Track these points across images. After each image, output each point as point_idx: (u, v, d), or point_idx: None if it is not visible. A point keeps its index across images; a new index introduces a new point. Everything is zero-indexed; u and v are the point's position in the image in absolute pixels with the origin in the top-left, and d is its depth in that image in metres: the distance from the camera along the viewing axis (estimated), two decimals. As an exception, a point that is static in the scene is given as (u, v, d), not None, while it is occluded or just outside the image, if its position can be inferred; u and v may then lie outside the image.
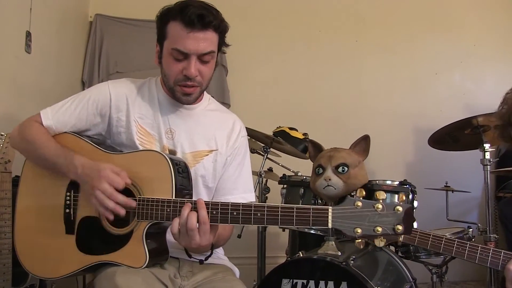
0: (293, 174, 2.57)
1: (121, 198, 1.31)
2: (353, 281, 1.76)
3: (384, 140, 3.41)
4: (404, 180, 2.20)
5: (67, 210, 1.42)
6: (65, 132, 1.50)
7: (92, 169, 1.34)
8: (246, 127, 1.69)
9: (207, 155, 1.54)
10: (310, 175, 2.16)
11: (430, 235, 1.66)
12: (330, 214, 1.16)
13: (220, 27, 1.42)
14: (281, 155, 2.87)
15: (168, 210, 1.29)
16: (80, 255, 1.38)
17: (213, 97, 1.69)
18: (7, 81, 2.30)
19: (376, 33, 3.82)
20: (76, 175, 1.38)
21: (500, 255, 1.51)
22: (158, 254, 1.38)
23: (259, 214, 1.22)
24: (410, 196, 2.16)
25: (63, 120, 1.49)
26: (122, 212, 1.31)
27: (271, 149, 2.65)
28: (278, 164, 2.82)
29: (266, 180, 2.69)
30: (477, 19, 3.88)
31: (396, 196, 2.15)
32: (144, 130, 1.50)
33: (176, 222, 1.27)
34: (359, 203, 1.14)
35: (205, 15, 1.37)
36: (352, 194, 2.01)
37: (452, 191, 2.70)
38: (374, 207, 1.13)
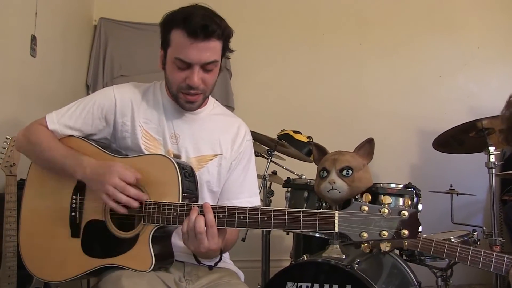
0: (297, 177, 2.57)
1: (133, 191, 1.31)
2: (358, 285, 1.75)
3: (388, 143, 3.40)
4: (409, 183, 2.19)
5: (73, 214, 1.43)
6: (71, 136, 1.50)
7: (102, 167, 1.35)
8: (250, 130, 1.69)
9: (212, 159, 1.54)
10: (315, 178, 2.16)
11: (433, 240, 1.66)
12: (336, 218, 1.16)
13: (223, 34, 1.42)
14: (286, 158, 2.87)
15: (175, 214, 1.29)
16: (86, 258, 1.38)
17: (217, 100, 1.69)
18: (12, 84, 2.30)
19: (379, 36, 3.82)
20: (84, 175, 1.38)
21: (504, 260, 1.51)
22: (164, 258, 1.38)
23: (265, 218, 1.22)
24: (415, 199, 2.15)
25: (68, 124, 1.50)
26: (135, 204, 1.31)
27: (276, 152, 2.65)
28: (283, 167, 2.81)
29: (270, 183, 2.69)
30: (481, 22, 3.87)
31: (401, 199, 2.14)
32: (149, 134, 1.50)
33: (186, 224, 1.27)
34: (365, 208, 1.15)
35: (208, 25, 1.36)
36: (357, 197, 2.01)
37: (457, 194, 2.69)
38: (380, 211, 1.14)
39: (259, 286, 2.45)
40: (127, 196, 1.30)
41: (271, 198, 2.63)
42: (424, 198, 2.20)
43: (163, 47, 1.47)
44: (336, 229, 1.15)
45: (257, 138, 2.50)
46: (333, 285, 1.79)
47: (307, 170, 2.59)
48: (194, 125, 1.55)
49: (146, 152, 1.47)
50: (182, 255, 1.46)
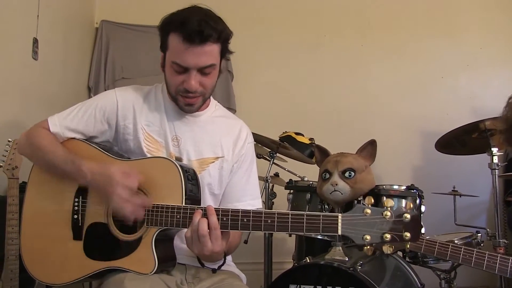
0: (299, 179, 2.56)
1: (138, 201, 1.31)
2: (361, 287, 1.74)
3: (390, 144, 3.39)
4: (411, 184, 2.18)
5: (75, 216, 1.42)
6: (73, 138, 1.50)
7: (103, 175, 1.34)
8: (252, 132, 1.68)
9: (213, 162, 1.53)
10: (317, 180, 2.16)
11: (436, 242, 1.65)
12: (339, 221, 1.16)
13: (220, 37, 1.41)
14: (288, 160, 2.86)
15: (178, 216, 1.29)
16: (88, 261, 1.38)
17: (219, 102, 1.68)
18: (14, 87, 2.31)
19: (381, 37, 3.81)
20: (86, 181, 1.38)
21: (509, 262, 1.50)
22: (166, 261, 1.38)
23: (269, 221, 1.22)
24: (418, 201, 2.15)
25: (70, 127, 1.50)
26: (141, 213, 1.31)
27: (278, 154, 2.64)
28: (285, 169, 2.81)
29: (273, 185, 2.69)
30: (484, 22, 3.86)
31: (404, 201, 2.13)
32: (151, 137, 1.50)
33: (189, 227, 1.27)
34: (368, 211, 1.15)
35: (203, 30, 1.35)
36: (359, 199, 2.00)
37: (460, 195, 2.68)
38: (382, 214, 1.14)
39: (261, 289, 2.45)
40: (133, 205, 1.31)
41: (273, 200, 2.62)
42: (427, 200, 2.20)
43: (162, 50, 1.48)
44: (340, 232, 1.16)
45: (259, 140, 2.50)
46: (336, 287, 1.78)
47: (309, 172, 2.58)
48: (196, 128, 1.55)
49: (149, 155, 1.47)
50: (184, 257, 1.47)
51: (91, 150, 1.47)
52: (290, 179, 2.49)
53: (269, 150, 2.61)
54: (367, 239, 1.14)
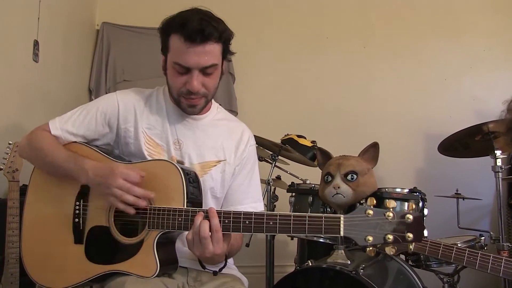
0: (301, 182, 2.55)
1: (140, 191, 1.31)
2: (363, 290, 1.73)
3: (393, 147, 3.38)
4: (414, 187, 2.17)
5: (76, 220, 1.42)
6: (74, 142, 1.50)
7: (104, 169, 1.34)
8: (254, 135, 1.68)
9: (215, 165, 1.53)
10: (319, 183, 2.15)
11: (440, 244, 1.64)
12: (342, 222, 1.15)
13: (222, 37, 1.41)
14: (290, 163, 2.85)
15: (180, 219, 1.28)
16: (89, 264, 1.37)
17: (220, 105, 1.68)
18: (15, 89, 2.31)
19: (384, 39, 3.80)
20: (88, 178, 1.37)
21: (514, 265, 1.49)
22: (168, 264, 1.37)
23: (271, 223, 1.21)
24: (420, 204, 2.13)
25: (71, 130, 1.49)
26: (143, 204, 1.31)
27: (279, 157, 2.64)
28: (287, 172, 2.80)
29: (275, 188, 2.68)
30: (487, 25, 3.84)
31: (406, 204, 2.12)
32: (153, 140, 1.50)
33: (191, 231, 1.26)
34: (370, 212, 1.14)
35: (204, 28, 1.35)
36: (362, 202, 1.99)
37: (463, 198, 2.66)
38: (385, 215, 1.14)
39: (263, 292, 2.44)
40: (134, 196, 1.30)
41: (275, 203, 2.61)
42: (429, 203, 2.18)
43: (163, 53, 1.47)
44: (342, 233, 1.15)
45: (261, 142, 2.49)
46: (338, 291, 1.78)
47: (312, 175, 2.57)
48: (197, 131, 1.54)
49: (149, 158, 1.46)
50: (186, 260, 1.46)
51: (92, 153, 1.46)
52: (292, 182, 2.49)
53: (271, 152, 2.60)
54: (369, 240, 1.13)
